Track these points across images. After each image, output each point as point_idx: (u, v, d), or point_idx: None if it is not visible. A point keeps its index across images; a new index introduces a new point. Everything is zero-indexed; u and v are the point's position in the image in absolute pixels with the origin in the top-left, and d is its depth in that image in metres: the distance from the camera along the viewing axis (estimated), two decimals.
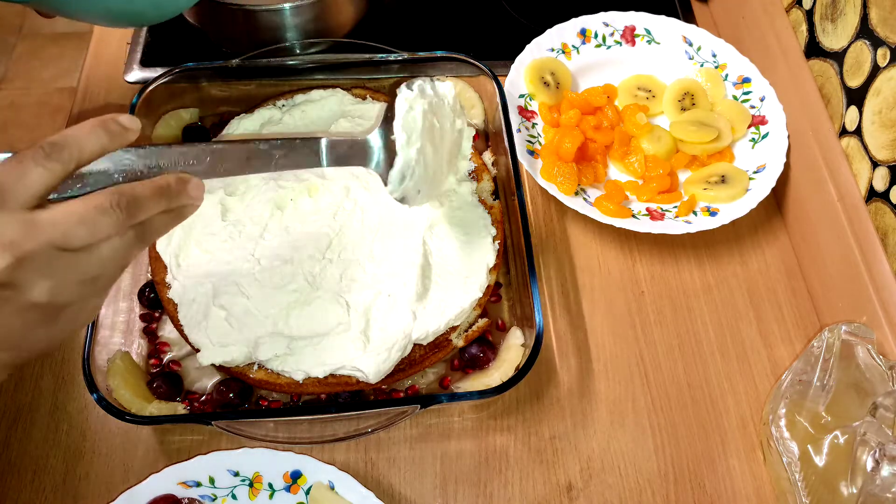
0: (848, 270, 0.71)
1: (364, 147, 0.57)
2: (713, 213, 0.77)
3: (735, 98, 0.86)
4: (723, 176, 0.79)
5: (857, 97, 0.73)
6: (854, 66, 0.73)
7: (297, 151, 0.54)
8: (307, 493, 0.60)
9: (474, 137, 0.81)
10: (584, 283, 0.77)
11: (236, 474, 0.61)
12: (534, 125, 0.84)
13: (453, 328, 0.68)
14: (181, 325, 0.66)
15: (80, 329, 0.47)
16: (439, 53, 0.80)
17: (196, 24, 0.90)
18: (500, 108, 0.75)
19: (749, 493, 0.66)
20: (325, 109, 0.79)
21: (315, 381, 0.63)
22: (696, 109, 0.85)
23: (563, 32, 0.89)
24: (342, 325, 0.64)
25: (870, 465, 0.57)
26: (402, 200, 0.59)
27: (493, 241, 0.71)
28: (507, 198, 0.74)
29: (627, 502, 0.65)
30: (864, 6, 0.72)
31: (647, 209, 0.79)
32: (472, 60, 0.78)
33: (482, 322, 0.69)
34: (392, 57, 0.80)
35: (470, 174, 0.76)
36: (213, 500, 0.60)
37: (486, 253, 0.70)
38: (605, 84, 0.88)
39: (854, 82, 0.73)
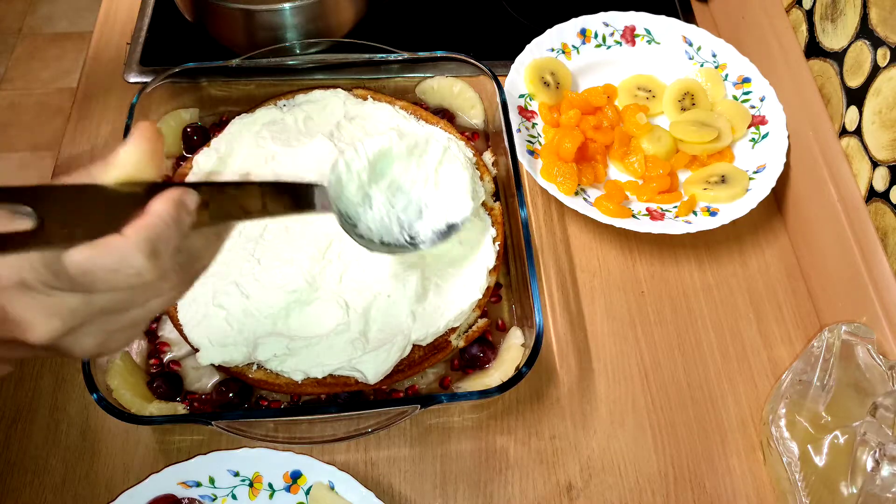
0: (848, 270, 0.71)
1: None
2: (713, 213, 0.77)
3: (735, 98, 0.86)
4: (723, 176, 0.79)
5: (857, 97, 0.73)
6: (854, 66, 0.73)
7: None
8: (307, 493, 0.60)
9: (474, 137, 0.82)
10: (584, 283, 0.77)
11: (236, 474, 0.61)
12: (534, 125, 0.84)
13: (453, 329, 0.68)
14: (181, 325, 0.66)
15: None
16: (439, 53, 0.80)
17: (196, 23, 0.90)
18: (500, 108, 0.75)
19: (749, 493, 0.66)
20: (327, 110, 0.79)
21: (314, 381, 0.63)
22: (696, 109, 0.85)
23: (563, 32, 0.89)
24: (341, 326, 0.64)
25: (870, 465, 0.57)
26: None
27: (493, 242, 0.71)
28: (507, 198, 0.74)
29: (627, 502, 0.65)
30: (864, 6, 0.72)
31: (647, 209, 0.79)
32: (472, 60, 0.78)
33: (482, 322, 0.69)
34: (392, 57, 0.80)
35: None
36: (213, 500, 0.60)
37: (485, 254, 0.70)
38: (605, 84, 0.88)
39: (854, 82, 0.73)
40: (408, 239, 0.58)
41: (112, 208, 0.37)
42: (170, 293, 0.41)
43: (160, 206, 0.37)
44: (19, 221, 0.34)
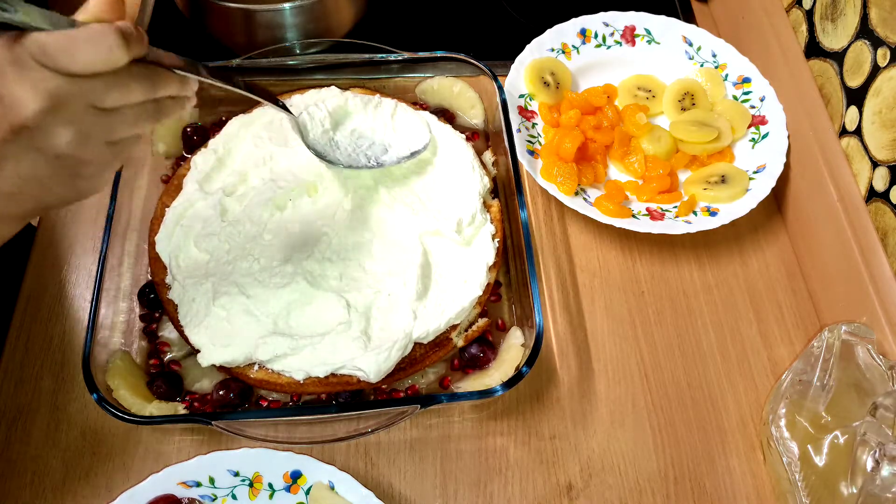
0: (848, 270, 0.71)
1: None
2: (713, 213, 0.77)
3: (735, 98, 0.86)
4: (723, 176, 0.79)
5: (857, 97, 0.73)
6: (854, 66, 0.73)
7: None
8: (307, 493, 0.60)
9: (474, 137, 0.82)
10: (584, 283, 0.77)
11: (236, 474, 0.61)
12: (534, 125, 0.84)
13: (454, 327, 0.68)
14: (181, 326, 0.66)
15: (93, 193, 0.49)
16: (439, 53, 0.80)
17: (196, 23, 0.90)
18: (500, 108, 0.75)
19: (749, 493, 0.66)
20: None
21: (316, 380, 0.63)
22: (696, 109, 0.85)
23: (563, 32, 0.89)
24: (343, 325, 0.64)
25: (870, 465, 0.57)
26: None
27: (492, 238, 0.71)
28: (507, 198, 0.74)
29: (627, 502, 0.65)
30: (864, 6, 0.72)
31: (647, 209, 0.79)
32: (472, 60, 0.78)
33: (482, 322, 0.69)
34: (392, 57, 0.80)
35: None
36: (213, 500, 0.60)
37: (485, 250, 0.70)
38: (605, 84, 0.88)
39: (854, 82, 0.73)
40: (374, 164, 0.72)
41: None
42: (138, 107, 0.47)
43: (121, 21, 0.45)
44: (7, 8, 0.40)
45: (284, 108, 0.65)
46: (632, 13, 0.91)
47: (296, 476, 0.61)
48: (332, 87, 0.81)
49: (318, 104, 0.73)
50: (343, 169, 0.70)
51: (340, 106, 0.74)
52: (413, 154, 0.73)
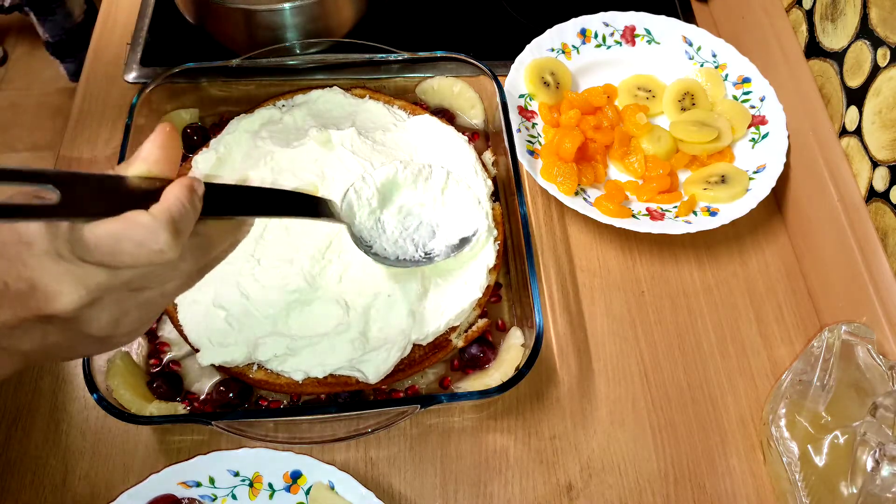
0: (848, 270, 0.71)
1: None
2: (713, 213, 0.77)
3: (735, 98, 0.86)
4: (723, 176, 0.79)
5: (857, 97, 0.73)
6: (854, 66, 0.73)
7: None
8: (307, 493, 0.60)
9: (474, 137, 0.82)
10: (584, 283, 0.77)
11: (236, 474, 0.61)
12: (534, 125, 0.84)
13: (453, 328, 0.68)
14: (181, 325, 0.66)
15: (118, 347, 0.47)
16: (439, 53, 0.80)
17: (196, 23, 0.90)
18: (500, 108, 0.75)
19: (749, 493, 0.66)
20: (329, 105, 0.80)
21: (315, 381, 0.63)
22: (696, 109, 0.85)
23: (563, 32, 0.89)
24: (342, 326, 0.64)
25: (870, 465, 0.57)
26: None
27: (494, 241, 0.71)
28: (507, 198, 0.74)
29: (627, 502, 0.65)
30: (864, 6, 0.72)
31: (647, 209, 0.79)
32: (472, 60, 0.78)
33: (482, 322, 0.69)
34: (392, 57, 0.80)
35: None
36: (213, 500, 0.60)
37: (486, 253, 0.70)
38: (605, 84, 0.88)
39: (854, 82, 0.73)
40: (423, 256, 0.66)
41: (131, 197, 0.39)
42: (184, 277, 0.43)
43: (177, 190, 0.40)
44: (45, 194, 0.35)
45: (332, 217, 0.56)
46: (632, 13, 0.91)
47: (296, 476, 0.61)
48: (335, 87, 0.81)
49: (365, 178, 0.65)
50: (389, 266, 0.64)
51: (390, 179, 0.67)
52: (462, 242, 0.66)
